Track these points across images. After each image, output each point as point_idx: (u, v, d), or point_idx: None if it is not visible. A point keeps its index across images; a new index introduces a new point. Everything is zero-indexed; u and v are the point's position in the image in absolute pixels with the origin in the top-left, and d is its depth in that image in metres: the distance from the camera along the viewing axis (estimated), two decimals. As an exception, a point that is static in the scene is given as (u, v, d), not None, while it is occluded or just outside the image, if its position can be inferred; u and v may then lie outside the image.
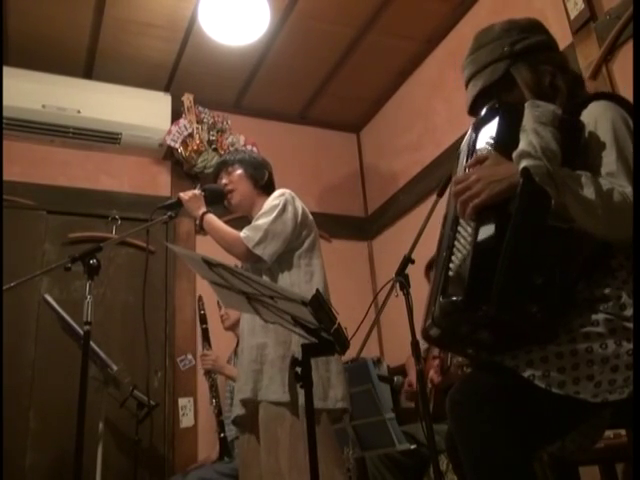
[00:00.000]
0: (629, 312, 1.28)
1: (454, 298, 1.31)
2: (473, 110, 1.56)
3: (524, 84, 1.48)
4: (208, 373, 3.04)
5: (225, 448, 2.90)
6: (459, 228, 1.39)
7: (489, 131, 1.44)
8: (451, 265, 1.36)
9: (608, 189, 1.25)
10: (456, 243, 1.38)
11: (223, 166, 2.43)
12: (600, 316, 1.30)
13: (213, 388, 3.00)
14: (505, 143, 1.37)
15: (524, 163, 1.28)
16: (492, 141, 1.42)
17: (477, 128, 1.48)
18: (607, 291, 1.31)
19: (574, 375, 1.25)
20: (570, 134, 1.33)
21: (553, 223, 1.26)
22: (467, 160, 1.46)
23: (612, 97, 1.45)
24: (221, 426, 2.92)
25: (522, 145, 1.31)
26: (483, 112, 1.48)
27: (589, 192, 1.24)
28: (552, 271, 1.26)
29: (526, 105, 1.37)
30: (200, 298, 3.15)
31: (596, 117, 1.37)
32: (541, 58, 1.50)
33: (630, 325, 1.26)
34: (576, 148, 1.33)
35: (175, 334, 3.59)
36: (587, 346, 1.27)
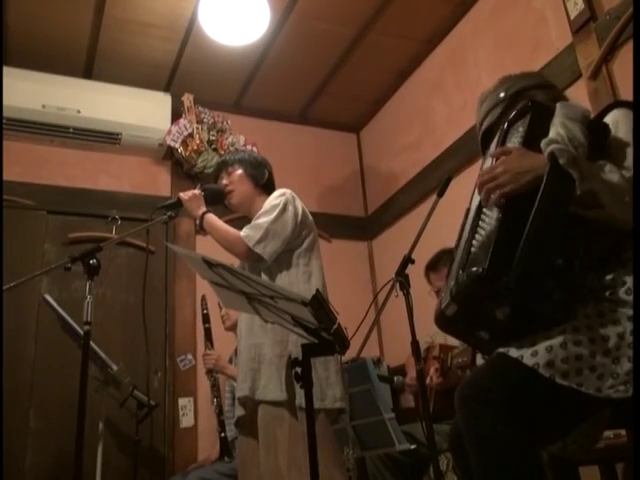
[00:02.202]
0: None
1: (474, 269, 1.34)
2: (484, 147, 1.68)
3: None
4: (210, 372, 3.03)
5: (225, 448, 2.90)
6: (482, 215, 1.44)
7: (520, 126, 1.50)
8: (474, 242, 1.41)
9: (631, 176, 1.30)
10: (480, 223, 1.43)
11: (223, 166, 2.43)
12: (604, 306, 1.32)
13: (215, 388, 2.99)
14: (534, 137, 1.43)
15: (550, 148, 1.32)
16: (522, 134, 1.47)
17: (510, 124, 1.54)
18: (614, 276, 1.34)
19: (577, 366, 1.26)
20: (597, 134, 1.39)
21: (575, 210, 1.30)
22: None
23: (631, 105, 1.52)
24: (222, 426, 2.92)
25: (550, 135, 1.36)
26: (515, 110, 1.54)
27: (615, 178, 1.29)
28: (572, 255, 1.30)
29: (557, 105, 1.44)
30: (203, 297, 3.14)
31: (617, 121, 1.44)
32: (536, 94, 1.61)
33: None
34: (602, 148, 1.38)
35: (175, 334, 3.59)
36: (590, 336, 1.28)
